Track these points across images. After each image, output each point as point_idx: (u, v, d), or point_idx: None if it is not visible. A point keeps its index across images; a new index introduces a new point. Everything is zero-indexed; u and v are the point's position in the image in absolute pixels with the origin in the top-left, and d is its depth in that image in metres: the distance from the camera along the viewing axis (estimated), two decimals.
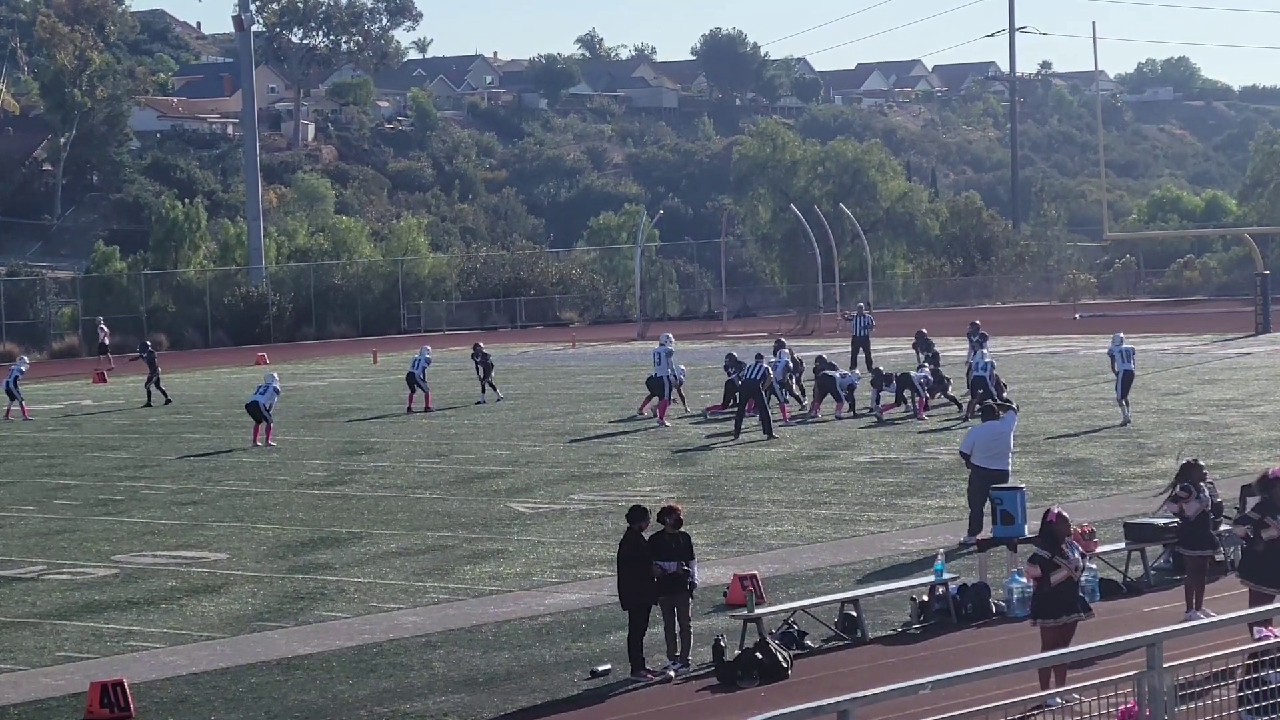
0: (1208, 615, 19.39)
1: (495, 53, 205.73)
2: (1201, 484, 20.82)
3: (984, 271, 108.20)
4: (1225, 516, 22.32)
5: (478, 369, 51.09)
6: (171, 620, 22.81)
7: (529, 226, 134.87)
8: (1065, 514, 17.65)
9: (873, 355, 52.59)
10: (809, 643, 20.13)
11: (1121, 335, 42.95)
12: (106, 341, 73.56)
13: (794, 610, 20.49)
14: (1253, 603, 18.67)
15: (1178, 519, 21.50)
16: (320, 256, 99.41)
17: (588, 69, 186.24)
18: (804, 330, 79.46)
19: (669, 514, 19.34)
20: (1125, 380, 40.53)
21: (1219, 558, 21.83)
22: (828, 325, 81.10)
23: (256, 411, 41.95)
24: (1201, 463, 21.43)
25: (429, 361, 49.70)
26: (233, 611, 23.14)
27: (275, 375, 44.30)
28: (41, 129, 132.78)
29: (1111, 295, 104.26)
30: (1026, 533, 21.33)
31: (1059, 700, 12.77)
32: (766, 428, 39.59)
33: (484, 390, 50.76)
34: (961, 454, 26.33)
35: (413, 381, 49.10)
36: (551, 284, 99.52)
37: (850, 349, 54.49)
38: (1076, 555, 17.50)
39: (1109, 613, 20.27)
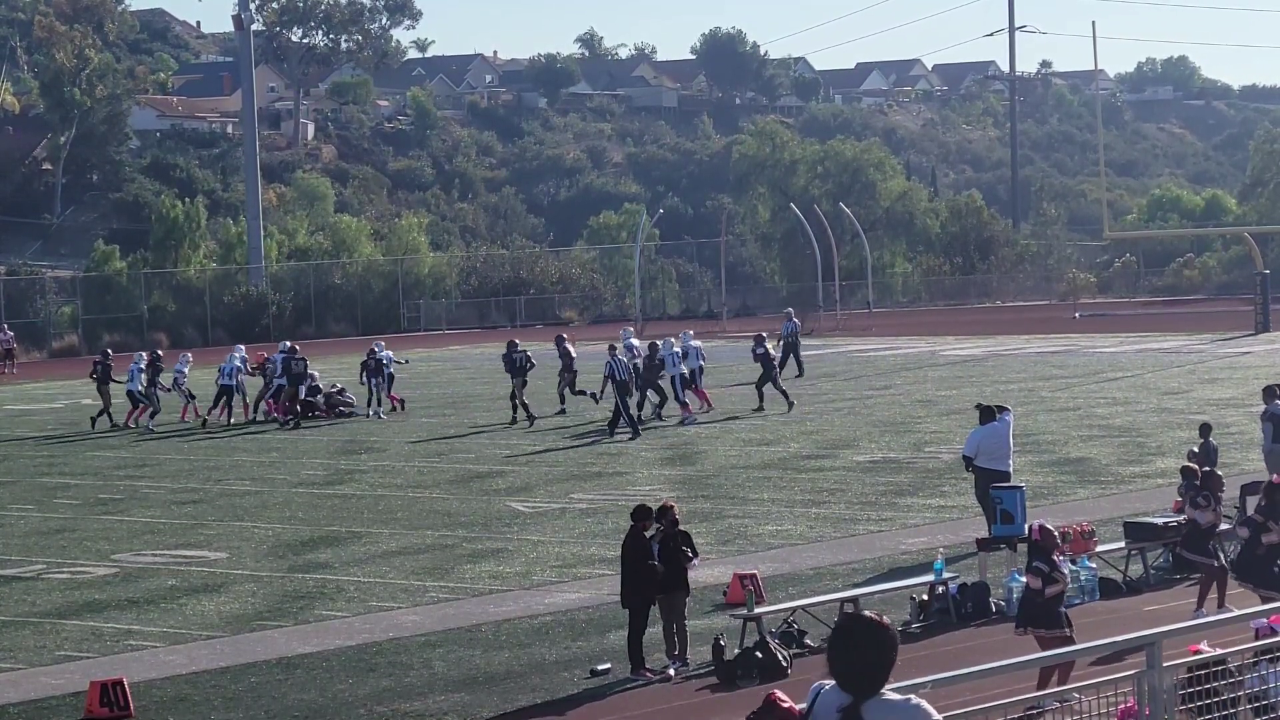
0: (1229, 611, 19.40)
1: (495, 52, 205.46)
2: (1219, 494, 21.18)
3: (984, 271, 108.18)
4: (1225, 516, 22.37)
5: (363, 376, 47.63)
6: (171, 619, 22.81)
7: (529, 226, 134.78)
8: (1049, 526, 17.87)
9: (803, 361, 54.10)
10: (809, 642, 20.13)
11: (690, 332, 46.36)
12: (12, 346, 73.35)
13: (794, 609, 20.49)
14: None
15: (1181, 521, 21.60)
16: (320, 256, 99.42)
17: (587, 68, 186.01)
18: (804, 330, 79.28)
19: (665, 513, 19.36)
20: (693, 378, 43.72)
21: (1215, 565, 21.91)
22: (828, 324, 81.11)
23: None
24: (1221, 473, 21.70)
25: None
26: (232, 611, 23.14)
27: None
28: (41, 128, 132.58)
29: (1111, 294, 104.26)
30: (1026, 532, 21.34)
31: (1058, 700, 12.76)
32: (633, 427, 40.79)
33: (374, 401, 47.18)
34: (965, 457, 26.25)
35: (377, 391, 47.42)
36: (551, 283, 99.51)
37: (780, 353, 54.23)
38: (1065, 569, 17.89)
39: (1109, 612, 20.27)
